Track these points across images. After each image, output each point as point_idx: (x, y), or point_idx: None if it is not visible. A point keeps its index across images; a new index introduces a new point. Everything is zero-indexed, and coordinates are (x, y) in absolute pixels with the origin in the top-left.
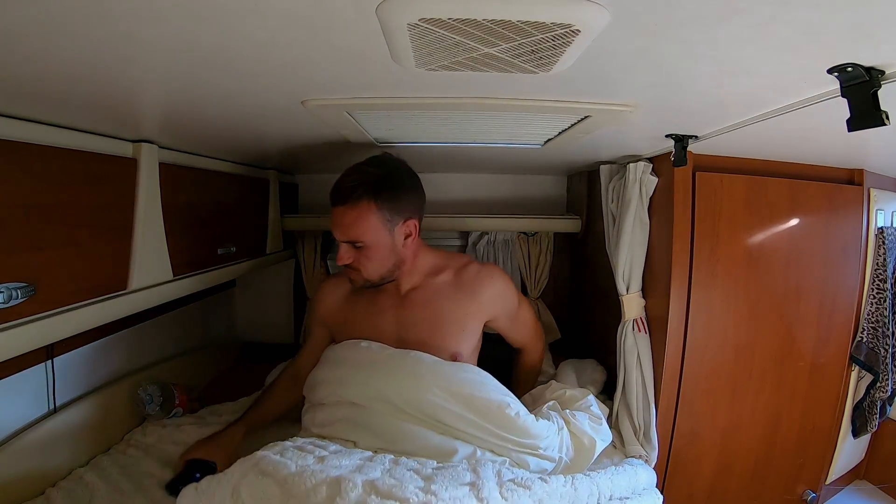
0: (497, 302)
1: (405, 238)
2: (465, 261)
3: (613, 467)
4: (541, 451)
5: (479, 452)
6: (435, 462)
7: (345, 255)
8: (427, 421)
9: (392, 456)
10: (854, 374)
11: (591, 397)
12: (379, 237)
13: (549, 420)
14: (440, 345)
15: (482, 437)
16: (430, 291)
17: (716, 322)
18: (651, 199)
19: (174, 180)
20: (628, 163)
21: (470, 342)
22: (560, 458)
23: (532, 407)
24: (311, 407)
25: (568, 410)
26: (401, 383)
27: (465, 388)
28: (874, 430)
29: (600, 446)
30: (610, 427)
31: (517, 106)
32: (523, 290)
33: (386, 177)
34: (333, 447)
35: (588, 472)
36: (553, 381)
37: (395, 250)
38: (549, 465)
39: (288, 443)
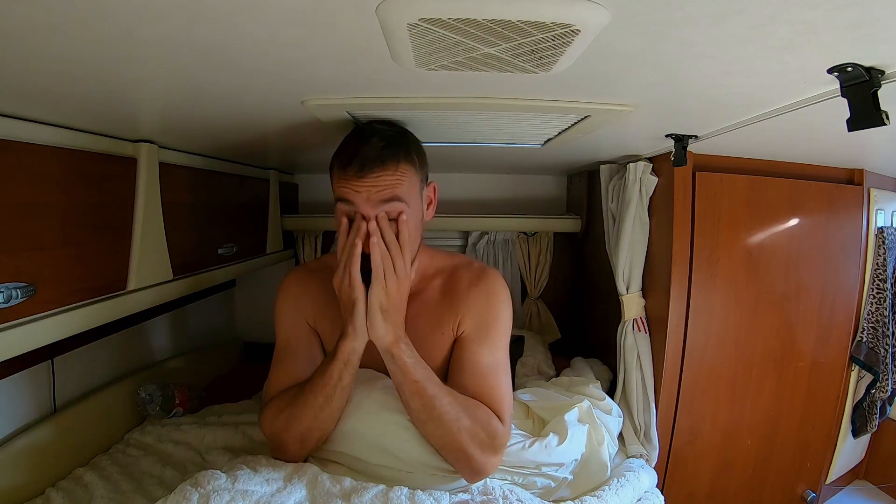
0: (473, 306)
1: (427, 206)
2: (463, 261)
3: (617, 480)
4: (546, 472)
5: (489, 482)
6: (449, 496)
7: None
8: (437, 474)
9: (408, 489)
10: (854, 374)
11: (596, 385)
12: (417, 201)
13: (561, 435)
14: None
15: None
16: (421, 304)
17: (716, 322)
18: (651, 199)
19: (174, 180)
20: (628, 163)
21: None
22: (564, 478)
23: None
24: None
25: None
26: (415, 448)
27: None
28: (874, 430)
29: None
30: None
31: (517, 106)
32: (523, 290)
33: (407, 132)
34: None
35: (595, 493)
36: (563, 377)
37: (422, 223)
38: (553, 484)
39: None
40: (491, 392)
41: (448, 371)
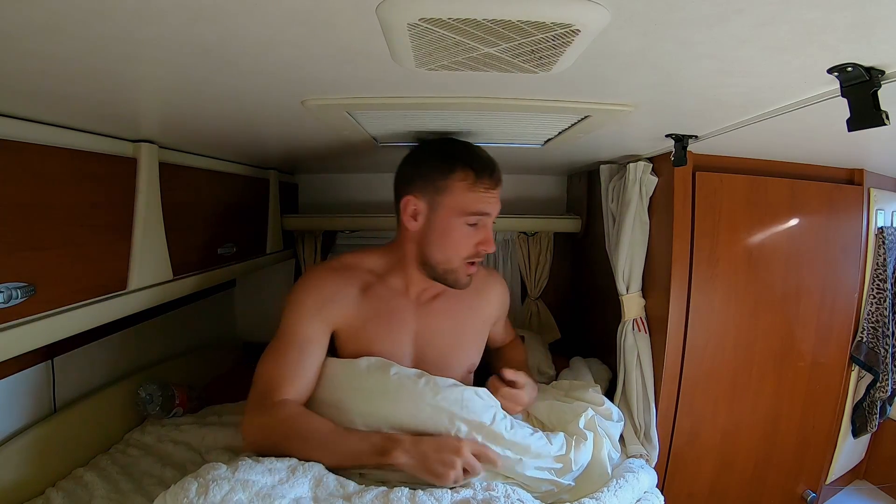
0: (502, 306)
1: None
2: None
3: (616, 481)
4: (549, 477)
5: (492, 483)
6: (450, 494)
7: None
8: None
9: (408, 490)
10: (854, 374)
11: (596, 389)
12: None
13: (564, 439)
14: (460, 358)
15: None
16: (452, 299)
17: (716, 322)
18: (651, 199)
19: (174, 180)
20: (628, 163)
21: (482, 350)
22: (568, 485)
23: (555, 419)
24: None
25: (599, 427)
26: (425, 427)
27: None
28: (874, 430)
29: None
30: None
31: (517, 106)
32: (523, 290)
33: None
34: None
35: (593, 495)
36: (563, 380)
37: None
38: (555, 489)
39: (272, 462)
40: (512, 336)
41: (483, 339)
